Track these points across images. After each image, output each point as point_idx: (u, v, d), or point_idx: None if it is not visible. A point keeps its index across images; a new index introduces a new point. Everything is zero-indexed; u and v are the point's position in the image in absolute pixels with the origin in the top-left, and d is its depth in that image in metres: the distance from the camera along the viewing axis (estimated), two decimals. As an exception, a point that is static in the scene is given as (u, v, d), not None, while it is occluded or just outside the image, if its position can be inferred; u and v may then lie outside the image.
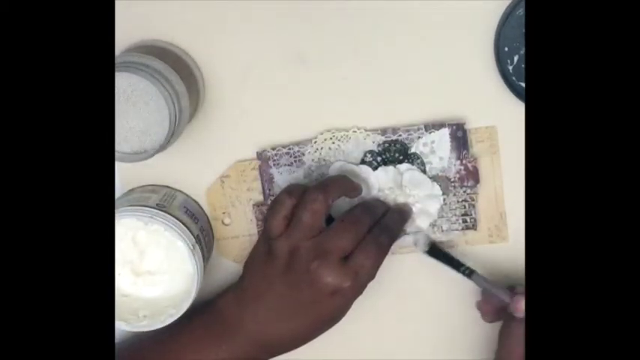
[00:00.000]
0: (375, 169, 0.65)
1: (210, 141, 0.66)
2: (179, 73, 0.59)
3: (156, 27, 0.64)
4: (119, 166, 0.66)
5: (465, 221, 0.66)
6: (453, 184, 0.65)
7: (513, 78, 0.62)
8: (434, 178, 0.65)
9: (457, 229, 0.66)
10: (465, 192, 0.65)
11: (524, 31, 0.61)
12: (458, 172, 0.65)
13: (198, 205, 0.67)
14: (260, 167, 0.65)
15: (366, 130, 0.65)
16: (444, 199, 0.65)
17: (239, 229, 0.67)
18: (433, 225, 0.66)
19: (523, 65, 0.62)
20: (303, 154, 0.65)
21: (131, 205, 0.61)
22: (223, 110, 0.65)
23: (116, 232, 0.61)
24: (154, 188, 0.66)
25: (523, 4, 0.61)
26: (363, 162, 0.65)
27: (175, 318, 0.62)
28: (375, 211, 0.63)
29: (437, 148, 0.64)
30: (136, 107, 0.57)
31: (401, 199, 0.65)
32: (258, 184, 0.66)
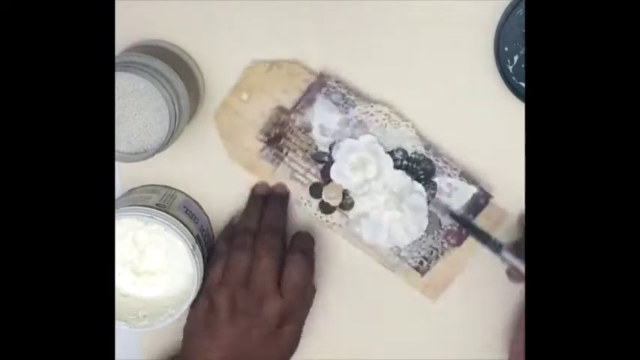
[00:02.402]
0: (396, 168, 0.65)
1: (211, 141, 0.66)
2: (179, 73, 0.59)
3: (156, 27, 0.64)
4: (119, 166, 0.66)
5: (420, 263, 0.66)
6: (438, 230, 0.65)
7: (513, 78, 0.62)
8: (429, 213, 0.65)
9: (410, 264, 0.66)
10: (442, 244, 0.66)
11: (524, 31, 0.61)
12: (452, 224, 0.65)
13: (198, 205, 0.67)
14: (312, 83, 0.64)
15: (417, 131, 0.64)
16: (422, 237, 0.65)
17: (251, 113, 0.65)
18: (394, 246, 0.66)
19: (523, 65, 0.62)
20: (353, 107, 0.64)
21: (131, 205, 0.61)
22: (223, 110, 0.65)
23: (116, 232, 0.61)
24: (154, 188, 0.66)
25: (523, 4, 0.61)
26: (391, 153, 0.64)
27: (175, 318, 0.62)
28: (280, 228, 0.64)
29: (454, 198, 0.65)
30: (136, 107, 0.57)
31: (389, 207, 0.65)
32: (296, 94, 0.64)
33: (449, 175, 0.65)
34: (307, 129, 0.64)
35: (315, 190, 0.65)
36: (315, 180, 0.65)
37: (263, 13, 0.63)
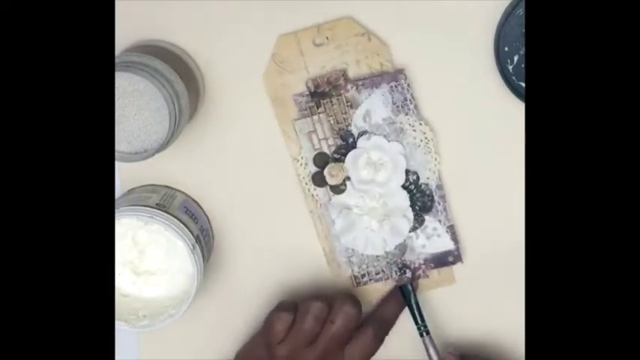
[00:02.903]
0: (403, 187, 0.65)
1: (210, 141, 0.66)
2: (179, 73, 0.59)
3: (156, 27, 0.64)
4: (119, 166, 0.66)
5: (362, 276, 0.66)
6: (397, 259, 0.65)
7: (513, 78, 0.62)
8: (403, 241, 0.65)
9: (352, 271, 0.66)
10: (391, 271, 0.66)
11: (524, 31, 0.61)
12: (412, 263, 0.66)
13: (198, 205, 0.67)
14: (387, 72, 0.63)
15: (439, 170, 0.65)
16: (380, 256, 0.66)
17: (314, 58, 0.64)
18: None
19: (523, 65, 0.62)
20: (405, 114, 0.64)
21: (131, 205, 0.61)
22: (223, 110, 0.65)
23: (116, 232, 0.61)
24: (154, 188, 0.66)
25: (523, 3, 0.61)
26: (406, 172, 0.64)
27: (175, 318, 0.62)
28: (359, 302, 0.64)
29: (431, 242, 0.65)
30: (136, 107, 0.57)
31: (372, 216, 0.64)
32: (366, 70, 0.64)
33: (439, 222, 0.65)
34: (353, 106, 0.63)
35: (320, 159, 0.64)
36: (326, 150, 0.64)
37: (263, 12, 0.63)
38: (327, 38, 0.63)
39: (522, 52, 0.62)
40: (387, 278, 0.66)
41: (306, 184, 0.65)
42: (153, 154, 0.58)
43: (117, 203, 0.63)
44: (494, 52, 0.63)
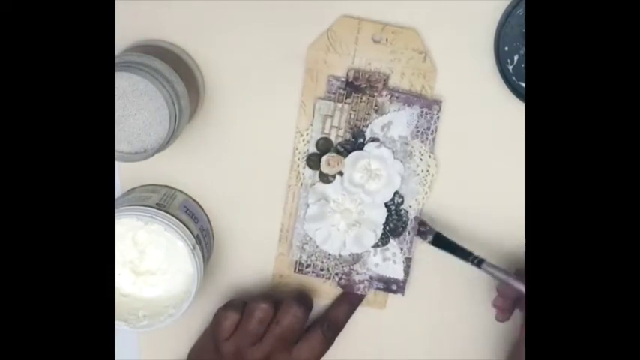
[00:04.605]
0: (386, 205, 0.65)
1: (210, 141, 0.66)
2: (179, 73, 0.59)
3: (156, 27, 0.64)
4: (119, 166, 0.66)
5: (307, 266, 0.66)
6: (347, 267, 0.66)
7: (513, 78, 0.62)
8: (361, 255, 0.66)
9: (300, 255, 0.67)
10: (334, 275, 0.66)
11: (524, 31, 0.61)
12: (362, 276, 0.66)
13: (198, 205, 0.67)
14: (425, 96, 0.64)
15: (423, 205, 0.65)
16: (332, 256, 0.66)
17: (366, 52, 0.63)
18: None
19: (523, 65, 0.62)
20: (422, 142, 0.64)
21: (131, 205, 0.61)
22: (223, 110, 0.65)
23: (116, 231, 0.61)
24: (154, 188, 0.66)
25: (523, 3, 0.61)
26: (395, 193, 0.65)
27: (175, 318, 0.62)
28: (307, 303, 0.65)
29: (382, 267, 0.66)
30: (136, 107, 0.57)
31: (344, 217, 0.65)
32: (406, 87, 0.64)
33: (400, 249, 0.66)
34: (379, 112, 0.64)
35: (324, 145, 0.64)
36: (333, 139, 0.64)
37: (263, 12, 0.63)
38: (386, 40, 0.63)
39: (522, 52, 0.62)
40: (329, 278, 0.66)
41: (299, 159, 0.65)
42: (153, 154, 0.58)
43: (117, 203, 0.63)
44: (494, 52, 0.63)
